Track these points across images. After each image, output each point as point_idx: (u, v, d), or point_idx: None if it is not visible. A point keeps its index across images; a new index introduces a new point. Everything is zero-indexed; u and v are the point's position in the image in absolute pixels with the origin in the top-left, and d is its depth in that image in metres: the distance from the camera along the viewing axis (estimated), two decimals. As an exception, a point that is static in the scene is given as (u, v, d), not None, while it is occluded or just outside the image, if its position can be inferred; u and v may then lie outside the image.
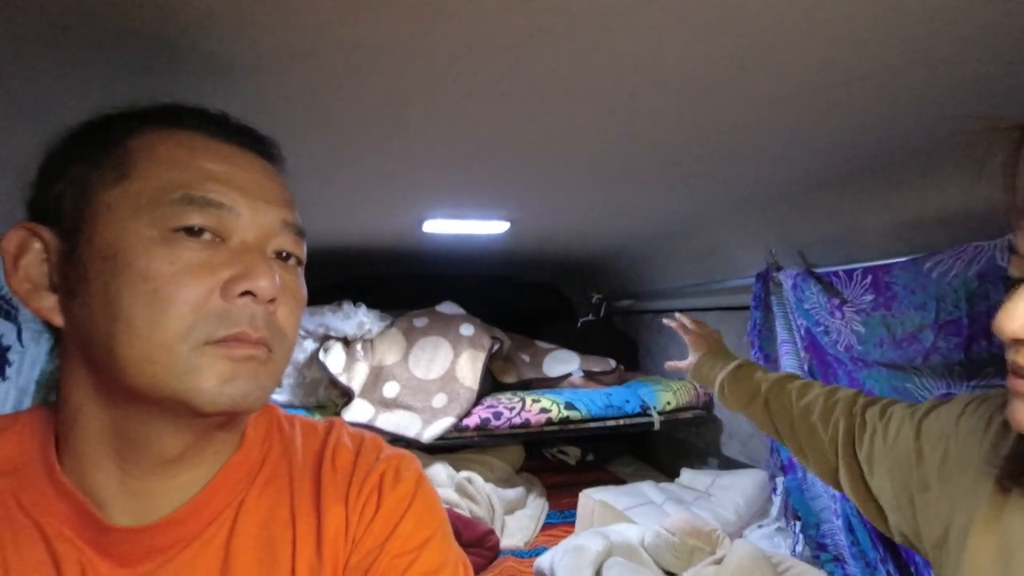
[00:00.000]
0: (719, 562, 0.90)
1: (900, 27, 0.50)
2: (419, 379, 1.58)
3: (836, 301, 1.05)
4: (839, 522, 1.16)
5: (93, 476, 0.42)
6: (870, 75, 0.59)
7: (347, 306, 1.64)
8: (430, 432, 1.47)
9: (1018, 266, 0.45)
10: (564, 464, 2.09)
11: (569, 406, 1.59)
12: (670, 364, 1.12)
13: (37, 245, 0.42)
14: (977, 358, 0.81)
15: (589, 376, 1.82)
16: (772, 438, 0.88)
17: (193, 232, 0.41)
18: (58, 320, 0.41)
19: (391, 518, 0.49)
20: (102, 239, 0.40)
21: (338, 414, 1.48)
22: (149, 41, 0.52)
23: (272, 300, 0.42)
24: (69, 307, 0.41)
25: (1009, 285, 0.46)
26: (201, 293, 0.40)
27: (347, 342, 1.63)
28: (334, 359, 1.54)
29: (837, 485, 0.74)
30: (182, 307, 0.39)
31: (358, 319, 1.63)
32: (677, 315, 1.11)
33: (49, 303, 0.41)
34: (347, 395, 1.52)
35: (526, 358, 1.85)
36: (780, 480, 1.36)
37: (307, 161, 0.84)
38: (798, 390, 0.82)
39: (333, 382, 1.52)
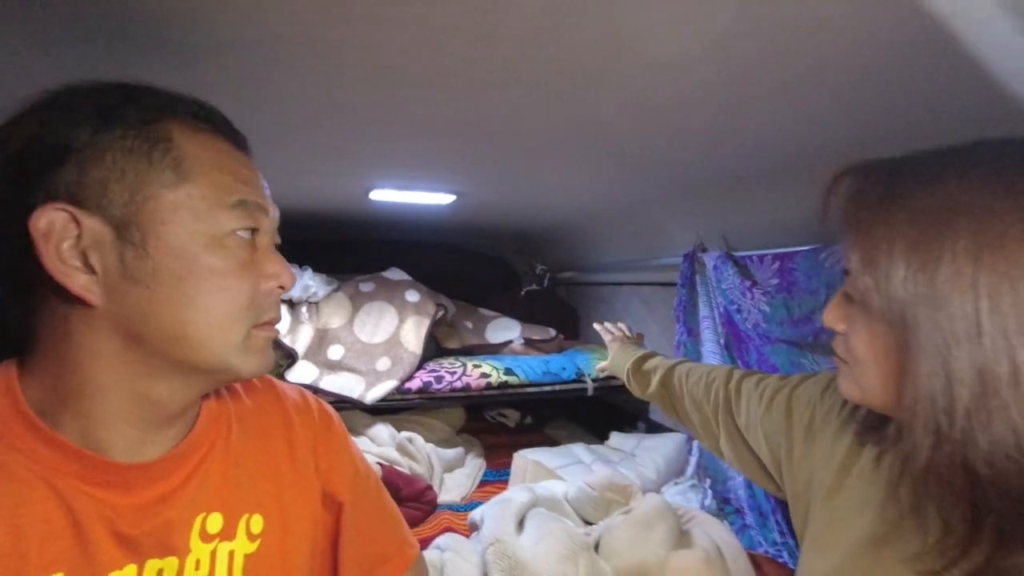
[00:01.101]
0: (630, 512, 1.01)
1: (798, 55, 0.58)
2: (364, 343, 1.62)
3: (748, 283, 1.16)
4: (740, 479, 1.30)
5: (101, 432, 0.47)
6: (775, 91, 0.66)
7: (293, 269, 1.65)
8: (373, 394, 1.52)
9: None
10: (504, 426, 2.19)
11: (508, 372, 1.67)
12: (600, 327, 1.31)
13: (74, 229, 0.44)
14: (856, 338, 0.93)
15: (529, 343, 1.90)
16: (673, 419, 0.99)
17: (240, 232, 0.49)
18: (94, 299, 0.45)
19: (344, 454, 0.66)
20: (174, 238, 0.46)
21: (282, 376, 1.51)
22: (103, 19, 0.53)
23: None
24: (122, 291, 0.45)
25: None
26: (252, 286, 0.50)
27: (292, 304, 1.64)
28: (279, 321, 1.56)
29: (720, 453, 0.84)
30: (245, 299, 0.49)
31: (303, 282, 1.64)
32: (605, 324, 1.30)
33: (83, 282, 0.45)
34: (291, 357, 1.55)
35: (469, 325, 1.92)
36: (695, 443, 1.50)
37: (251, 132, 0.86)
38: (685, 374, 0.93)
39: (277, 343, 1.55)
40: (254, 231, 0.51)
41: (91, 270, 0.45)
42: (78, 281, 0.44)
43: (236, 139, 0.53)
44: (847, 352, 0.54)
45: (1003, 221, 0.42)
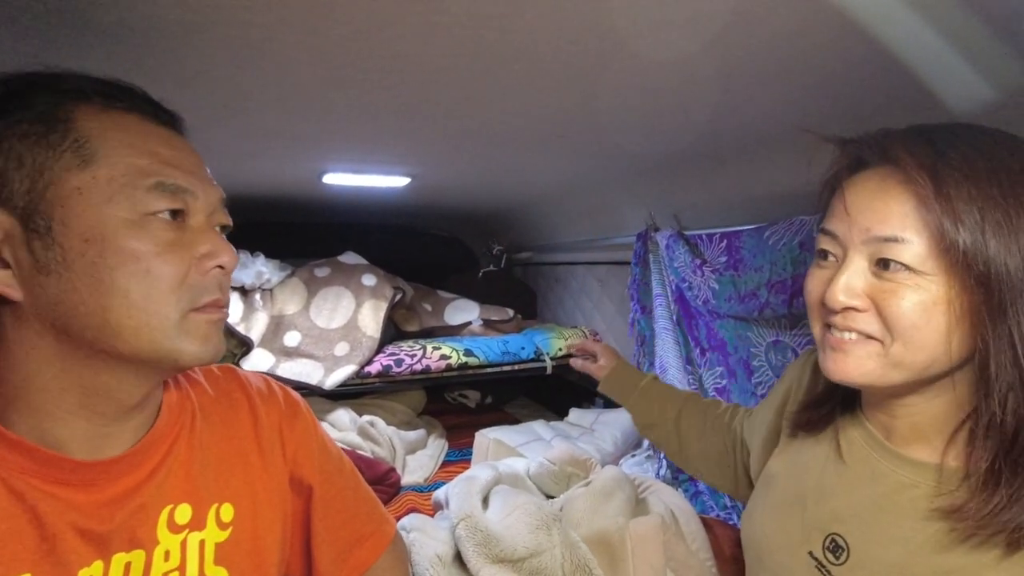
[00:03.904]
0: (589, 483, 1.05)
1: (741, 39, 0.60)
2: (321, 328, 1.61)
3: (698, 261, 1.20)
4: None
5: (57, 428, 0.47)
6: (718, 76, 0.69)
7: (243, 255, 1.61)
8: (332, 379, 1.51)
9: (828, 244, 0.55)
10: (465, 407, 2.21)
11: (468, 353, 1.69)
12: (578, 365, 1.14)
13: None
14: (797, 312, 0.98)
15: (488, 324, 1.92)
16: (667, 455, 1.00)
17: (162, 214, 0.47)
18: (14, 294, 0.44)
19: (310, 437, 0.67)
20: (82, 223, 0.44)
21: (237, 364, 1.48)
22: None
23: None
24: (39, 283, 0.44)
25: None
26: (182, 268, 0.48)
27: (245, 292, 1.61)
28: (231, 309, 1.52)
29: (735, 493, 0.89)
30: (171, 281, 0.47)
31: (256, 269, 1.60)
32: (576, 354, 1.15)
33: (1, 277, 0.44)
34: (246, 345, 1.52)
35: (428, 307, 1.92)
36: (650, 415, 1.56)
37: (196, 113, 0.83)
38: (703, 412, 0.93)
39: (231, 331, 1.51)
40: (179, 212, 0.48)
41: (5, 264, 0.44)
42: None
43: (160, 116, 0.50)
44: (877, 328, 0.51)
45: None
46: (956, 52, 0.54)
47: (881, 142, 0.52)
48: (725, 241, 1.14)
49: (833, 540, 0.58)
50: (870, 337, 0.51)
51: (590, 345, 1.10)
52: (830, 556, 0.58)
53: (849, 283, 0.51)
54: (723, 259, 1.13)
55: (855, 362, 0.52)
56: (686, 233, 1.28)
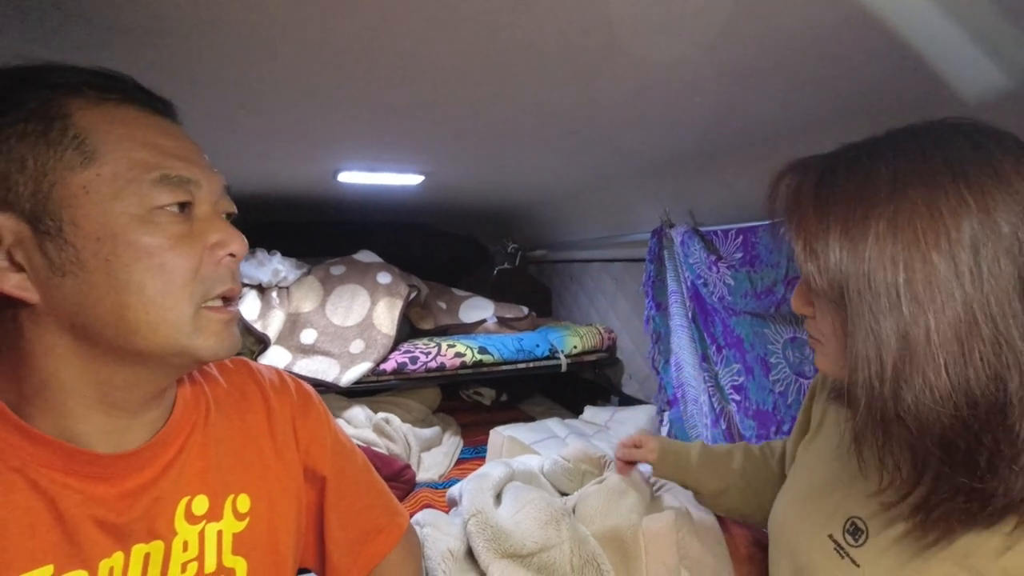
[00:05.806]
0: (603, 481, 1.04)
1: (749, 32, 0.59)
2: (336, 326, 1.62)
3: (713, 257, 1.19)
4: (709, 446, 1.35)
5: (77, 423, 0.47)
6: (727, 70, 0.68)
7: (261, 254, 1.63)
8: (348, 377, 1.53)
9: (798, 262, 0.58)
10: (480, 404, 2.21)
11: (482, 350, 1.69)
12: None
13: None
14: (815, 308, 0.97)
15: (503, 322, 1.92)
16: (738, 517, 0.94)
17: (169, 206, 0.46)
18: (31, 297, 0.44)
19: (323, 429, 0.67)
20: (91, 222, 0.44)
21: (255, 361, 1.50)
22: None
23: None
24: (54, 284, 0.44)
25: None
26: (194, 260, 0.47)
27: (262, 290, 1.63)
28: (248, 306, 1.55)
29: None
30: (185, 274, 0.47)
31: (273, 267, 1.62)
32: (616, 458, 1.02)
33: (15, 281, 0.44)
34: (263, 342, 1.54)
35: (443, 305, 1.93)
36: (666, 413, 1.55)
37: (212, 113, 0.84)
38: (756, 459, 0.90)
39: (248, 329, 1.53)
40: (186, 204, 0.47)
41: (20, 268, 0.43)
42: (10, 281, 0.43)
43: (154, 106, 0.49)
44: (817, 332, 0.58)
45: (913, 201, 0.47)
46: (968, 36, 0.53)
47: (792, 169, 0.56)
48: (741, 237, 1.12)
49: (853, 523, 0.59)
50: (815, 339, 0.58)
51: (628, 445, 0.99)
52: (849, 538, 0.59)
53: (794, 295, 0.59)
54: (739, 255, 1.12)
55: (819, 361, 0.59)
56: (701, 229, 1.27)
